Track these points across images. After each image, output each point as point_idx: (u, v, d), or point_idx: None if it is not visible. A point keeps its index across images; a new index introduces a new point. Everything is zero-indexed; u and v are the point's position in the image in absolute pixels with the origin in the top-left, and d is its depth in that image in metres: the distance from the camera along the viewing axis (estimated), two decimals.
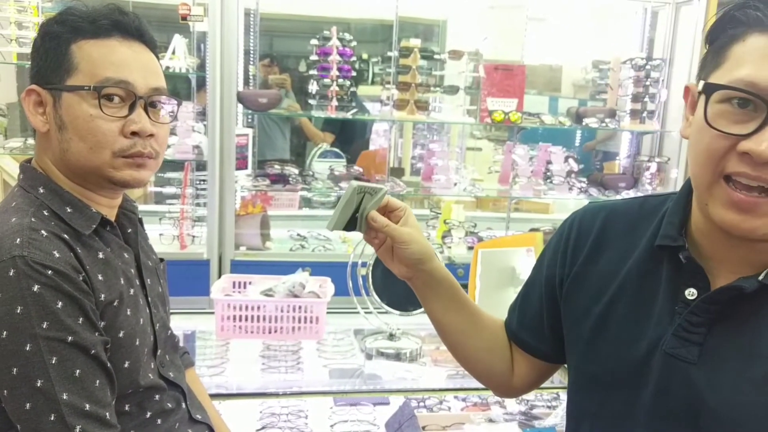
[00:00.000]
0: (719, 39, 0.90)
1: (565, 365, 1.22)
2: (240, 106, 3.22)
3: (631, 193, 3.82)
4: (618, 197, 3.79)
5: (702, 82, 0.91)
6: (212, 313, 2.18)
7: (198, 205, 3.18)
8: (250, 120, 3.71)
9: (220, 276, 3.06)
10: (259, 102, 3.16)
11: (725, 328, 0.92)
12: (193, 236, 3.16)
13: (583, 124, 3.74)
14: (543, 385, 1.45)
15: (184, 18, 2.83)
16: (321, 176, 3.51)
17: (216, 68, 2.90)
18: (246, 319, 2.11)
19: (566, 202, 4.26)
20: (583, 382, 1.09)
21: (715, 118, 0.87)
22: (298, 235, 3.51)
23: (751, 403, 0.88)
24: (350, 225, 1.16)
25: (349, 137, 4.50)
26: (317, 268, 2.44)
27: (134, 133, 1.12)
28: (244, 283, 2.30)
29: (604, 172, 4.13)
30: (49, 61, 1.11)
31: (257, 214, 3.18)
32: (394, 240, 1.14)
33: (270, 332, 2.13)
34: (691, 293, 0.95)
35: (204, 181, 3.23)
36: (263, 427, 1.97)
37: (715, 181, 0.88)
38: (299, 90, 3.98)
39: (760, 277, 0.90)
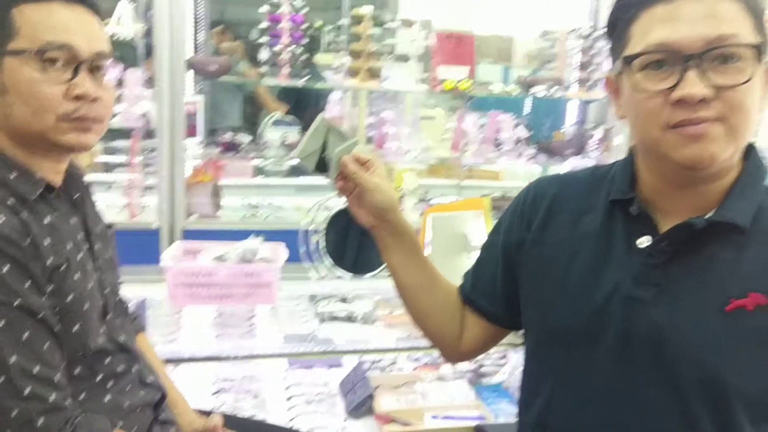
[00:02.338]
0: (617, 28, 1.03)
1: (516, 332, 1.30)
2: (190, 73, 3.18)
3: (578, 159, 3.92)
4: (565, 163, 3.89)
5: (620, 60, 1.01)
6: (164, 281, 2.18)
7: (148, 173, 3.15)
8: (200, 88, 3.67)
9: (171, 244, 3.05)
10: (209, 69, 3.12)
11: (679, 267, 1.01)
12: (143, 205, 3.13)
13: (531, 92, 3.81)
14: None
15: None
16: (274, 144, 3.50)
17: (164, 35, 2.85)
18: (198, 286, 2.13)
19: (516, 169, 4.34)
20: (544, 339, 1.15)
21: (641, 82, 0.98)
22: (251, 204, 3.51)
23: (712, 332, 0.98)
24: (320, 167, 1.23)
25: (305, 106, 4.48)
26: (270, 236, 2.45)
27: (78, 97, 1.12)
28: (197, 250, 2.31)
29: (557, 139, 4.22)
30: None
31: (208, 182, 3.17)
32: (363, 187, 1.21)
33: (222, 298, 2.14)
34: (643, 241, 1.04)
35: (153, 149, 3.19)
36: (218, 391, 1.99)
37: (664, 133, 0.97)
38: (253, 58, 3.93)
39: (707, 216, 1.00)
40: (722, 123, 0.94)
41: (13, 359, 1.02)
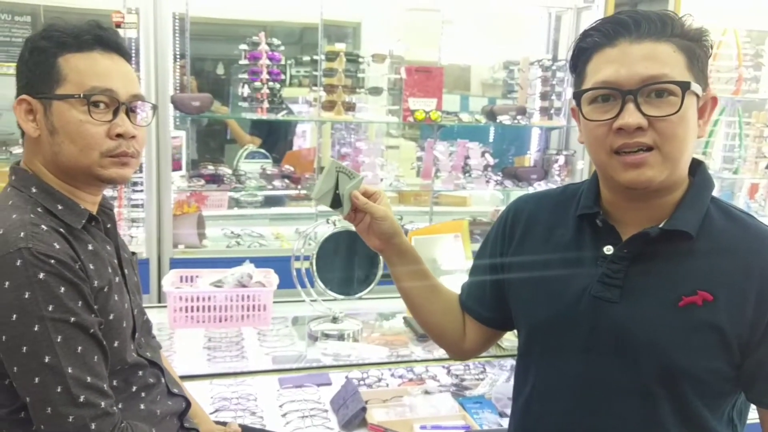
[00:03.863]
0: (577, 67, 1.22)
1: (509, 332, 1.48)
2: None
3: (542, 184, 4.11)
4: (530, 188, 4.09)
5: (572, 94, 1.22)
6: (154, 307, 2.27)
7: (134, 206, 3.25)
8: (177, 123, 3.78)
9: (159, 274, 3.15)
10: (192, 105, 3.25)
11: (639, 270, 1.19)
12: (131, 236, 3.23)
13: (497, 121, 4.00)
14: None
15: (118, 25, 2.89)
16: (253, 176, 3.63)
17: (150, 74, 2.98)
18: (197, 310, 2.24)
19: (482, 195, 4.53)
20: (530, 334, 1.34)
21: (590, 114, 1.17)
22: (232, 232, 3.63)
23: (667, 324, 1.15)
24: (334, 204, 1.39)
25: (275, 139, 4.62)
26: (254, 263, 2.58)
27: (119, 135, 1.25)
28: (191, 277, 2.42)
29: (516, 166, 4.42)
30: (38, 73, 1.23)
31: (193, 214, 3.28)
32: (373, 216, 1.38)
33: (220, 321, 2.25)
34: (608, 249, 1.22)
35: (136, 183, 3.30)
36: (216, 410, 2.09)
37: (610, 157, 1.15)
38: (217, 93, 4.05)
39: (661, 225, 1.18)
40: (658, 151, 1.11)
41: (69, 370, 1.13)
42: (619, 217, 1.23)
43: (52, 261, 1.14)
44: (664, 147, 1.12)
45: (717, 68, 4.12)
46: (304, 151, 4.41)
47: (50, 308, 1.13)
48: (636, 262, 1.18)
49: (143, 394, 1.35)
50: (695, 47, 1.15)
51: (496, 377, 2.36)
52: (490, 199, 4.63)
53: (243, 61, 3.38)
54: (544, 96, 4.08)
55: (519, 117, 4.01)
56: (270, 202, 4.23)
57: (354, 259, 2.35)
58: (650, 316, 1.16)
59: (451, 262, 2.37)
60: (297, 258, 2.35)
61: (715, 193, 1.25)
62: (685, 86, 1.11)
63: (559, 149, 4.26)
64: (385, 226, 1.39)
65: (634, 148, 1.12)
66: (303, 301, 2.40)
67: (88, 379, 1.16)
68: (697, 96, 1.14)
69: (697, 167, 1.23)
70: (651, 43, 1.12)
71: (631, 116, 1.10)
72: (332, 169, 1.37)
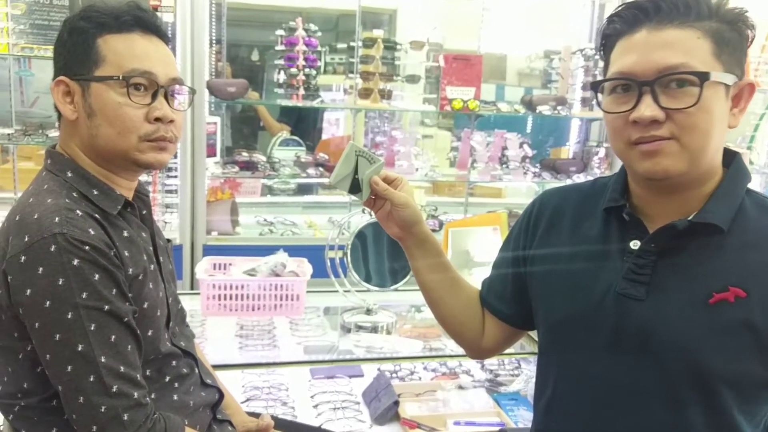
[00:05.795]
0: (604, 54, 1.16)
1: (529, 332, 1.41)
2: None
3: (581, 177, 4.02)
4: (569, 181, 4.00)
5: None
6: (186, 294, 2.26)
7: (168, 192, 3.25)
8: (212, 109, 3.77)
9: (192, 260, 3.15)
10: (228, 91, 3.23)
11: (666, 266, 1.13)
12: (165, 222, 3.23)
13: (537, 111, 3.92)
14: (507, 352, 1.63)
15: (155, 9, 2.88)
16: (287, 163, 3.61)
17: (187, 58, 2.97)
18: (230, 298, 2.22)
19: (519, 186, 4.46)
20: (550, 333, 1.28)
21: (608, 105, 1.12)
22: (265, 220, 3.61)
23: (696, 323, 1.08)
24: (353, 189, 1.33)
25: (304, 127, 4.60)
26: (287, 252, 2.55)
27: (157, 119, 1.22)
28: (225, 264, 2.41)
29: (554, 157, 4.34)
30: (77, 54, 1.20)
31: (227, 200, 3.27)
32: (393, 203, 1.32)
33: (253, 309, 2.23)
34: (635, 244, 1.15)
35: (171, 169, 3.30)
36: (248, 399, 2.08)
37: (629, 148, 1.10)
38: (251, 79, 4.03)
39: (690, 218, 1.11)
40: (677, 141, 1.05)
41: (102, 359, 1.11)
42: (647, 210, 1.17)
43: (87, 247, 1.11)
44: (683, 138, 1.06)
45: (765, 60, 4.00)
46: (337, 139, 4.38)
47: (84, 295, 1.10)
48: (663, 258, 1.12)
49: (176, 385, 1.32)
50: (726, 31, 1.07)
51: (532, 374, 2.30)
52: (526, 191, 4.56)
53: (279, 47, 3.34)
54: (585, 86, 3.98)
55: (559, 107, 3.92)
56: (302, 190, 4.22)
57: (389, 250, 2.31)
58: (678, 315, 1.09)
59: (489, 255, 2.31)
60: (331, 248, 2.31)
61: (757, 188, 1.17)
62: (703, 77, 1.04)
63: (600, 141, 4.16)
64: (406, 214, 1.32)
65: (651, 141, 1.07)
66: (336, 291, 2.37)
67: (122, 368, 1.13)
68: (726, 85, 1.07)
69: (732, 158, 1.16)
70: (672, 30, 1.06)
71: (647, 109, 1.05)
72: (351, 153, 1.32)
